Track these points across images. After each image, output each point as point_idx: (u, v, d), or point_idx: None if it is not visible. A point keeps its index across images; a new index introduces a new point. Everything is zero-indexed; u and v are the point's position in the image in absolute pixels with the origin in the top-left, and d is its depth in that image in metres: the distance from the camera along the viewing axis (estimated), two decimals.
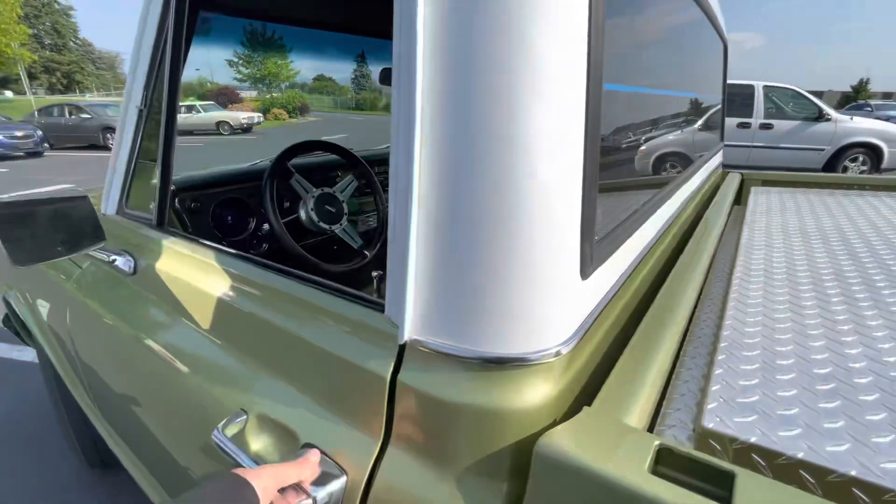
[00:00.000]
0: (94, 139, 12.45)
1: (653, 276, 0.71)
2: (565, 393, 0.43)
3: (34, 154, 10.85)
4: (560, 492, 0.35)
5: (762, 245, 0.90)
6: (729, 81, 6.75)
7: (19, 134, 10.43)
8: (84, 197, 0.83)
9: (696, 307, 0.69)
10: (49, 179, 7.86)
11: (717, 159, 1.54)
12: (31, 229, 0.75)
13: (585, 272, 0.43)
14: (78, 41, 51.64)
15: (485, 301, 0.39)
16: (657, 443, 0.36)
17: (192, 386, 0.67)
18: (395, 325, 0.44)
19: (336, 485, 0.45)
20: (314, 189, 1.24)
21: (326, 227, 1.24)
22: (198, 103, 17.02)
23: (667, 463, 0.35)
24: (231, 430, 0.54)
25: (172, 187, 0.86)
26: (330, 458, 0.47)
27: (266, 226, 1.23)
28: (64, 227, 0.78)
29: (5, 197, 0.78)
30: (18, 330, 1.80)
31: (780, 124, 6.95)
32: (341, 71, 2.10)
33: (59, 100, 19.88)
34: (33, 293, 1.26)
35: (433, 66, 0.37)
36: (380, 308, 0.47)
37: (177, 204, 1.06)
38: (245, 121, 16.96)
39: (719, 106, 1.50)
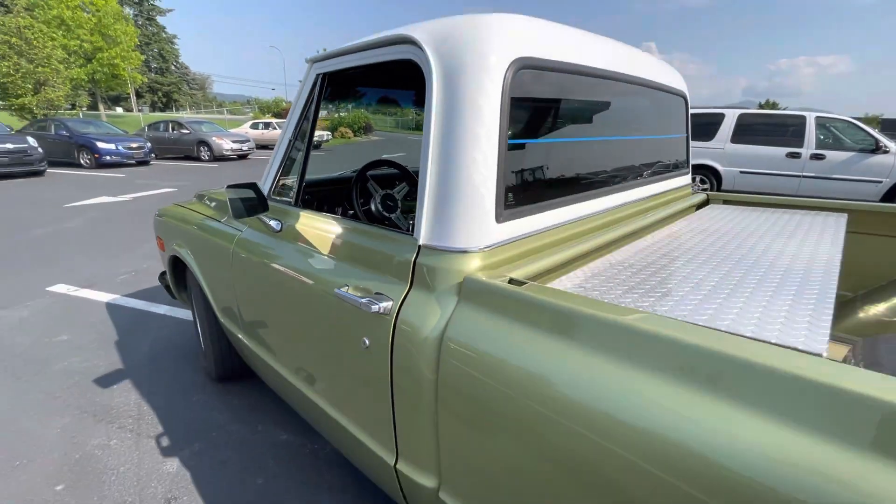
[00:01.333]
0: (190, 151, 14.33)
1: (564, 237, 1.22)
2: (481, 265, 0.98)
3: (143, 162, 12.74)
4: (472, 293, 0.91)
5: (662, 235, 1.40)
6: (779, 112, 6.88)
7: (133, 145, 12.33)
8: (254, 184, 1.49)
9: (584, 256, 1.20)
10: (155, 184, 9.32)
11: (680, 181, 1.99)
12: (241, 199, 1.41)
13: (497, 221, 0.99)
14: (177, 65, 58.43)
15: (454, 226, 0.96)
16: (509, 276, 0.91)
17: (315, 286, 1.28)
18: (416, 238, 1.02)
19: (389, 301, 1.03)
20: (381, 190, 1.86)
21: (387, 214, 1.85)
22: (274, 120, 18.87)
23: (515, 283, 0.90)
24: (343, 291, 1.14)
25: (304, 185, 1.51)
26: (386, 295, 1.05)
27: (350, 211, 1.88)
28: (250, 201, 1.44)
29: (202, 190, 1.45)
30: (169, 284, 2.58)
31: (833, 155, 6.89)
32: (403, 97, 2.76)
33: (163, 116, 22.84)
34: (199, 250, 1.97)
35: (440, 116, 0.96)
36: (411, 234, 1.05)
37: (304, 194, 1.72)
38: (315, 138, 18.47)
39: (675, 140, 1.96)
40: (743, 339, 0.65)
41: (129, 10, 42.36)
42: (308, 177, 1.55)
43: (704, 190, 4.26)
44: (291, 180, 1.52)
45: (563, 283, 1.03)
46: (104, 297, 3.42)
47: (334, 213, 1.64)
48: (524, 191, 1.09)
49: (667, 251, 1.25)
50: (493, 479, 0.88)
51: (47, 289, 3.58)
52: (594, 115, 1.39)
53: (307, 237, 1.35)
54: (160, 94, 54.52)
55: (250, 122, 19.95)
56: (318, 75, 1.41)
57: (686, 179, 2.06)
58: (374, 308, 1.01)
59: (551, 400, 0.74)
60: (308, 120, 1.45)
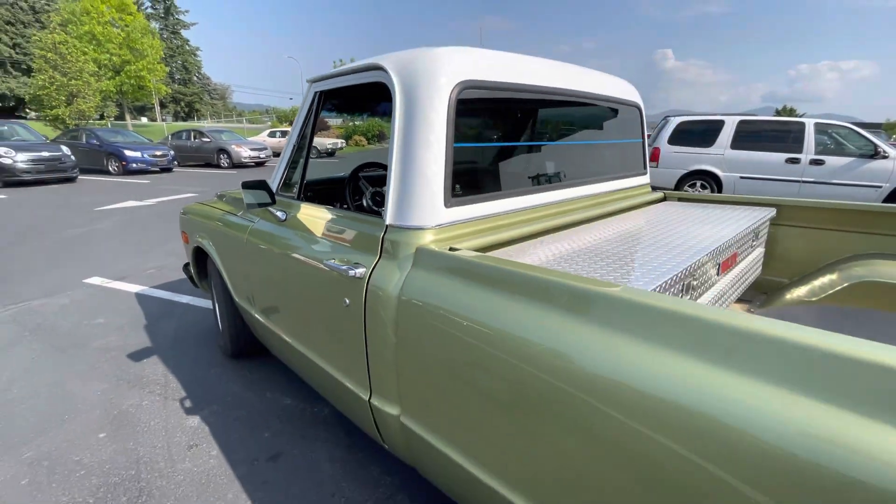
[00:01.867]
0: (211, 159, 14.97)
1: (512, 223, 1.50)
2: (432, 238, 1.27)
3: (166, 170, 13.38)
4: (423, 259, 1.20)
5: (601, 224, 1.67)
6: (778, 118, 7.04)
7: (158, 153, 12.98)
8: (265, 182, 1.81)
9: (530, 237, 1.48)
10: (178, 189, 9.84)
11: (636, 181, 2.25)
12: (254, 194, 1.73)
13: (445, 206, 1.28)
14: (199, 76, 60.39)
15: (412, 209, 1.26)
16: (450, 246, 1.20)
17: (312, 261, 1.58)
18: (384, 220, 1.32)
19: (363, 268, 1.32)
20: (371, 187, 2.17)
21: (376, 209, 2.16)
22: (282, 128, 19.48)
23: (453, 251, 1.19)
24: (331, 262, 1.44)
25: (304, 183, 1.82)
26: (362, 263, 1.35)
27: (345, 205, 2.20)
28: (261, 196, 1.76)
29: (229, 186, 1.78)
30: (192, 275, 2.93)
31: (833, 160, 7.01)
32: (380, 110, 3.04)
33: (185, 125, 23.79)
34: (219, 240, 2.31)
35: (401, 125, 1.26)
36: (382, 217, 1.35)
37: (305, 190, 2.04)
38: (330, 146, 19.11)
39: (628, 145, 2.22)
40: (608, 282, 0.92)
41: (155, 25, 44.12)
42: (308, 177, 1.87)
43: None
44: (295, 179, 1.84)
45: (498, 253, 1.32)
46: (134, 288, 3.81)
47: (330, 206, 1.96)
48: (468, 183, 1.38)
49: (594, 234, 1.52)
50: (436, 401, 1.16)
51: (84, 281, 3.98)
52: (535, 123, 1.68)
53: (306, 224, 1.66)
54: (183, 104, 56.36)
55: (268, 131, 20.66)
56: (315, 93, 1.73)
57: (643, 180, 2.32)
58: (352, 273, 1.31)
59: (477, 334, 1.02)
60: (308, 129, 1.77)
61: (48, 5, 36.28)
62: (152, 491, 1.71)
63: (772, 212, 1.96)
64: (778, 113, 52.19)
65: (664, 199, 2.36)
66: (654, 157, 8.23)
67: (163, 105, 49.04)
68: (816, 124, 7.26)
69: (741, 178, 7.53)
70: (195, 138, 15.33)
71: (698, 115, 8.32)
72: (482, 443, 1.05)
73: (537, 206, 1.61)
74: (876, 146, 6.84)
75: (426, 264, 1.20)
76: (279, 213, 1.82)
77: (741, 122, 7.68)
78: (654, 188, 2.46)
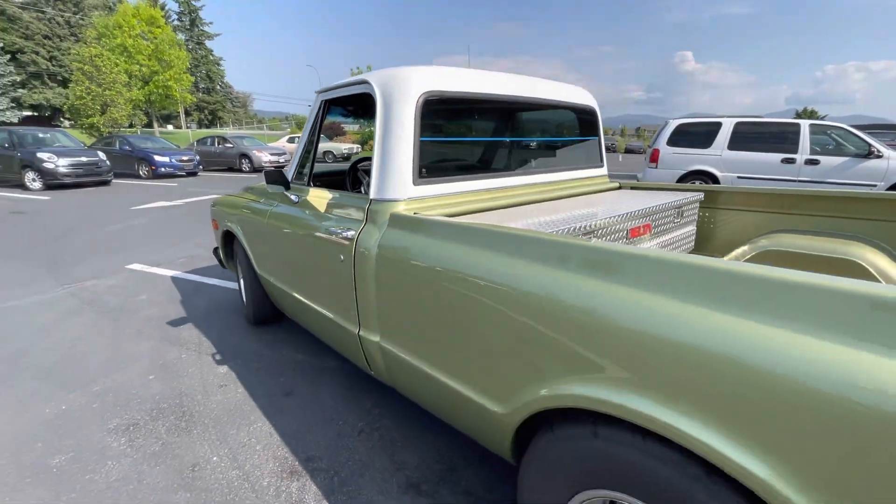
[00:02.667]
0: (233, 163, 15.75)
1: (469, 200, 1.91)
2: (404, 208, 1.70)
3: (192, 173, 14.17)
4: (395, 221, 1.63)
5: (557, 203, 2.07)
6: (774, 120, 7.34)
7: (184, 158, 13.77)
8: (282, 171, 2.27)
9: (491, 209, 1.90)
10: (203, 191, 10.52)
11: (593, 172, 2.65)
12: (273, 180, 2.20)
13: (414, 185, 1.71)
14: (222, 84, 62.44)
15: (388, 186, 1.69)
16: (415, 212, 1.63)
17: (318, 231, 2.03)
18: (369, 195, 1.76)
19: (353, 231, 1.76)
20: (367, 176, 2.62)
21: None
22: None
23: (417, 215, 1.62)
24: (332, 229, 1.88)
25: (315, 173, 2.28)
26: (353, 229, 1.79)
27: (344, 190, 2.66)
28: (279, 182, 2.22)
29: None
30: (220, 256, 3.43)
31: (828, 160, 7.21)
32: (369, 116, 3.50)
33: (210, 132, 24.85)
34: (245, 223, 2.78)
35: (381, 125, 1.70)
36: (367, 194, 1.79)
37: (313, 178, 2.50)
38: (346, 151, 19.80)
39: (583, 142, 2.62)
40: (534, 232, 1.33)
41: (181, 36, 45.99)
42: (316, 169, 2.33)
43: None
44: (306, 170, 2.30)
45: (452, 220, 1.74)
46: (169, 272, 4.34)
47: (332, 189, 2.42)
48: (433, 168, 1.81)
49: (537, 209, 1.93)
50: (404, 326, 1.59)
51: (126, 266, 4.54)
52: (492, 122, 2.10)
53: (314, 204, 2.12)
54: (206, 111, 58.35)
55: (287, 137, 21.50)
56: (322, 101, 2.19)
57: (600, 171, 2.71)
58: (346, 234, 1.76)
59: (432, 272, 1.44)
60: (316, 130, 2.23)
61: (82, 20, 38.25)
62: (192, 414, 2.17)
63: (699, 195, 2.34)
64: (798, 115, 51.09)
65: (619, 187, 2.75)
66: (654, 158, 8.52)
67: (187, 113, 50.90)
68: (812, 125, 7.48)
69: (738, 177, 7.77)
70: (219, 144, 16.15)
71: (698, 118, 8.59)
72: (436, 350, 1.47)
73: (493, 188, 2.03)
74: (870, 146, 7.03)
75: (396, 225, 1.63)
76: (293, 197, 2.28)
77: (738, 124, 7.93)
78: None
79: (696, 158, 8.09)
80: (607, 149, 35.74)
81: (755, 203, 2.31)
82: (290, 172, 2.39)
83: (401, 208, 1.69)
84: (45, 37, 38.26)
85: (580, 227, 1.56)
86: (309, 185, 2.25)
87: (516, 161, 2.22)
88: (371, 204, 1.75)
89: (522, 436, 1.28)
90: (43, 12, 38.31)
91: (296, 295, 2.31)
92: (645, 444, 0.93)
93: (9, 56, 33.63)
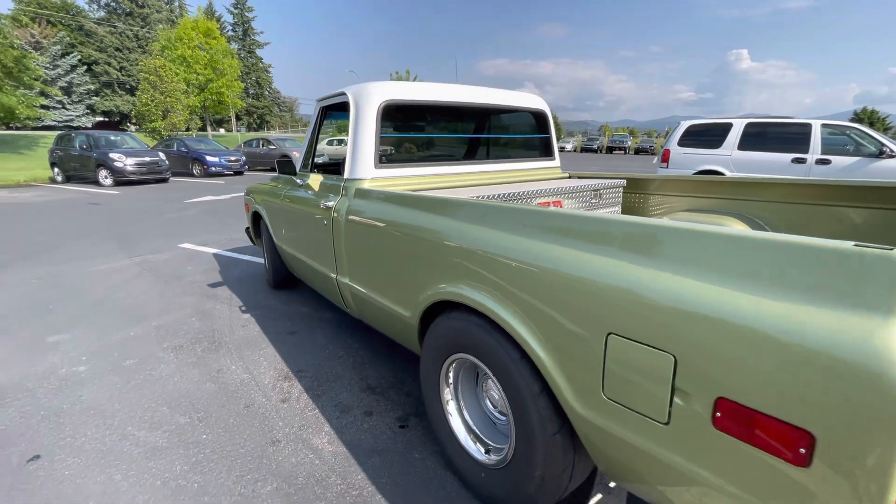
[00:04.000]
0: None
1: (423, 182, 2.52)
2: (367, 185, 2.33)
3: (239, 172, 15.51)
4: (359, 193, 2.27)
5: (502, 185, 2.65)
6: (786, 120, 7.59)
7: (232, 158, 15.12)
8: (290, 161, 2.97)
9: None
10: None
11: (546, 164, 3.18)
12: (283, 166, 2.90)
13: (375, 168, 2.35)
14: (270, 90, 65.98)
15: (356, 169, 2.33)
16: (373, 188, 2.26)
17: (313, 204, 2.70)
18: (344, 176, 2.41)
19: (333, 202, 2.41)
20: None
21: None
22: (346, 137, 21.36)
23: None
24: (320, 202, 2.55)
25: (315, 163, 2.96)
26: (332, 200, 2.44)
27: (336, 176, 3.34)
28: (288, 168, 2.92)
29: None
30: (250, 234, 4.21)
31: (839, 160, 7.25)
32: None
33: (256, 135, 26.71)
34: (268, 203, 3.52)
35: (352, 125, 2.35)
36: (343, 175, 2.45)
37: (313, 167, 3.19)
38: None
39: (534, 139, 3.15)
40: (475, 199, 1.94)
41: (234, 45, 49.14)
42: (315, 160, 3.02)
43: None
44: (308, 160, 2.99)
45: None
46: (212, 250, 5.21)
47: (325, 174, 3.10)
48: (390, 157, 2.44)
49: (481, 189, 2.51)
50: (363, 268, 2.22)
51: (178, 245, 5.47)
52: (441, 123, 2.70)
53: (312, 185, 2.80)
54: (255, 116, 61.79)
55: (326, 140, 22.80)
56: (320, 108, 2.87)
57: (552, 163, 3.24)
58: (328, 204, 2.42)
59: (382, 228, 2.07)
60: (317, 130, 2.91)
61: (148, 33, 41.76)
62: (220, 342, 2.91)
63: (622, 182, 2.83)
64: (855, 116, 47.61)
65: (569, 177, 3.27)
66: (665, 158, 8.77)
67: (238, 117, 54.20)
68: (824, 125, 7.53)
69: None
70: (263, 146, 17.51)
71: (707, 119, 8.76)
72: (376, 280, 2.10)
73: (443, 174, 2.63)
74: (882, 146, 7.03)
75: (359, 196, 2.27)
76: (298, 181, 2.98)
77: (749, 125, 8.07)
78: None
79: (705, 158, 8.27)
80: (646, 151, 35.44)
81: (669, 189, 2.79)
82: (298, 162, 3.09)
83: (365, 185, 2.33)
84: (117, 49, 42.08)
85: (493, 195, 2.15)
86: (310, 171, 2.94)
87: (466, 153, 2.81)
88: (345, 182, 2.40)
89: (422, 334, 1.88)
90: (115, 27, 42.15)
91: (299, 256, 3.01)
92: (477, 320, 1.51)
93: (85, 67, 37.28)
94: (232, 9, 54.71)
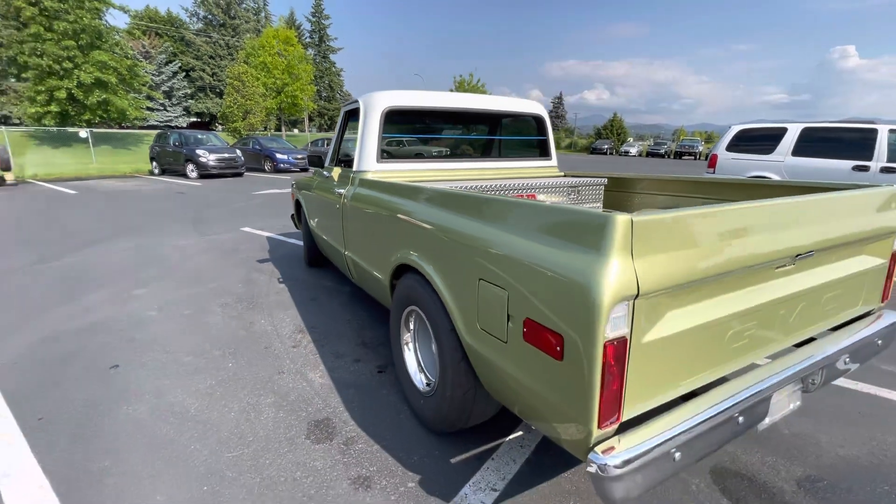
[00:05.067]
0: None
1: (420, 175, 2.97)
2: (371, 176, 2.83)
3: (304, 169, 16.88)
4: (363, 183, 2.77)
5: (495, 181, 3.05)
6: (848, 125, 7.37)
7: (299, 156, 16.51)
8: (321, 156, 3.55)
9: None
10: None
11: (542, 163, 3.49)
12: (314, 161, 3.49)
13: (377, 163, 2.84)
14: (341, 93, 69.75)
15: (362, 163, 2.84)
16: (374, 178, 2.75)
17: (334, 192, 3.25)
18: (354, 169, 2.93)
19: (344, 189, 2.94)
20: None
21: None
22: (405, 138, 22.36)
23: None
24: (337, 189, 3.09)
25: (338, 157, 3.52)
26: (344, 188, 2.97)
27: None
28: (319, 161, 3.51)
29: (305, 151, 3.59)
30: (295, 220, 4.92)
31: None
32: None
33: (324, 135, 28.66)
34: (305, 193, 4.16)
35: (360, 128, 2.87)
36: (352, 168, 2.97)
37: (338, 162, 3.75)
38: None
39: (531, 140, 3.47)
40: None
41: (310, 51, 52.66)
42: (339, 157, 3.58)
43: None
44: (333, 156, 3.56)
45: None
46: (266, 234, 6.03)
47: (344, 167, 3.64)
48: (391, 154, 2.92)
49: (463, 182, 2.92)
50: (359, 241, 2.72)
51: (240, 229, 6.36)
52: (440, 125, 3.13)
53: (334, 176, 3.36)
54: (326, 117, 65.64)
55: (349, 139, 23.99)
56: (344, 112, 3.42)
57: (548, 163, 3.55)
58: (340, 191, 2.96)
59: (373, 210, 2.56)
60: (342, 131, 3.47)
61: (237, 42, 45.94)
62: (257, 303, 3.56)
63: (603, 180, 3.10)
64: None
65: (564, 175, 3.57)
66: (712, 163, 8.53)
67: (310, 119, 57.94)
68: (892, 130, 7.00)
69: None
70: (326, 145, 18.88)
71: (761, 122, 8.41)
72: (365, 251, 2.58)
73: (439, 169, 3.07)
74: None
75: (362, 185, 2.77)
76: (325, 173, 3.56)
77: (806, 129, 7.67)
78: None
79: (755, 164, 7.97)
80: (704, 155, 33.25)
81: (646, 187, 3.02)
82: (326, 158, 3.68)
83: (368, 176, 2.84)
84: (210, 57, 46.75)
85: (471, 187, 2.56)
86: (334, 165, 3.51)
87: (461, 152, 3.22)
88: (353, 173, 2.92)
89: (393, 292, 2.34)
90: (210, 37, 46.85)
91: (323, 235, 3.59)
92: (419, 278, 1.95)
93: (184, 73, 41.82)
94: (310, 17, 58.56)
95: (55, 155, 18.07)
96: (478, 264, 1.47)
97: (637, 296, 1.05)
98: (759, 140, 8.15)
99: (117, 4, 21.47)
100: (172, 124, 38.24)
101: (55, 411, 2.14)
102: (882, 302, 1.96)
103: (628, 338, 1.08)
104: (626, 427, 1.17)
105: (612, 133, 44.03)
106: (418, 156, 3.10)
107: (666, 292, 1.13)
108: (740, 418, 1.33)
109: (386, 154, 2.89)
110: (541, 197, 2.92)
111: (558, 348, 1.15)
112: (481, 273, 1.45)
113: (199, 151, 13.58)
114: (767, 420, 1.52)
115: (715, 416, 1.25)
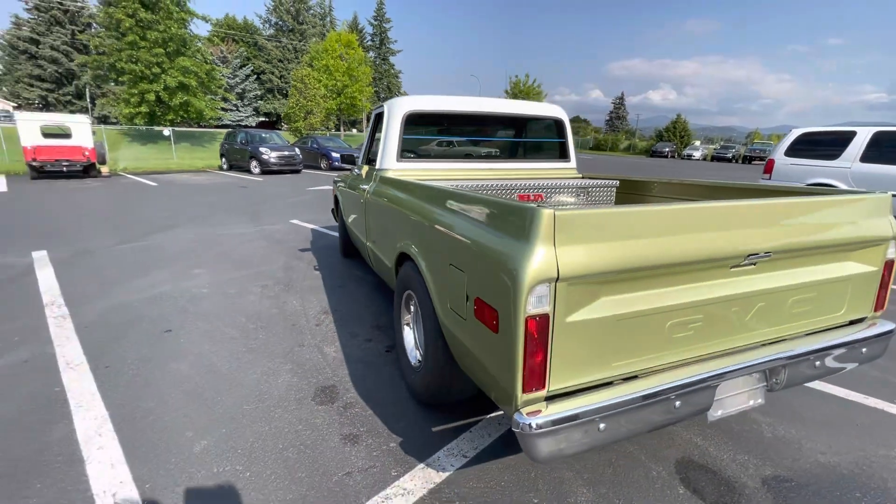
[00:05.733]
0: None
1: (436, 174, 3.19)
2: (390, 174, 3.10)
3: None
4: (382, 180, 3.05)
5: (512, 181, 3.23)
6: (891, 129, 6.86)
7: (354, 155, 17.33)
8: (353, 156, 3.88)
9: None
10: None
11: (561, 165, 3.59)
12: (348, 159, 3.83)
13: (397, 161, 3.10)
14: (399, 94, 71.67)
15: (384, 162, 3.12)
16: (392, 175, 3.02)
17: (361, 189, 3.56)
18: (376, 168, 3.22)
19: (367, 186, 3.24)
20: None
21: None
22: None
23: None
24: (362, 186, 3.40)
25: (368, 156, 3.83)
26: (367, 185, 3.26)
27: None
28: (351, 160, 3.84)
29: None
30: (335, 214, 5.33)
31: None
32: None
33: None
34: (341, 189, 4.53)
35: (384, 129, 3.15)
36: (376, 166, 3.25)
37: (367, 161, 4.06)
38: None
39: (550, 142, 3.57)
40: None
41: (371, 54, 54.61)
42: (369, 155, 3.89)
43: None
44: (365, 155, 3.88)
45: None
46: (312, 226, 6.54)
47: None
48: (410, 154, 3.17)
49: (491, 182, 3.11)
50: (377, 230, 3.00)
51: (290, 221, 6.93)
52: (458, 127, 3.34)
53: (363, 173, 3.67)
54: None
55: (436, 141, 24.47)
56: (374, 115, 3.72)
57: (566, 164, 3.64)
58: (364, 187, 3.26)
59: (387, 204, 2.83)
60: (372, 133, 3.78)
61: (304, 46, 48.59)
62: (292, 286, 3.96)
63: (615, 182, 3.17)
64: None
65: (583, 177, 3.64)
66: (768, 168, 8.08)
67: (368, 119, 60.07)
68: None
69: None
70: None
71: (853, 125, 7.80)
72: (380, 239, 2.85)
73: (455, 168, 3.28)
74: None
75: (381, 182, 3.05)
76: (356, 171, 3.89)
77: (878, 133, 7.09)
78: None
79: (817, 170, 7.46)
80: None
81: (658, 190, 3.04)
82: (359, 157, 4.01)
83: (388, 174, 3.11)
84: (279, 60, 49.84)
85: (479, 186, 2.76)
86: (364, 164, 3.83)
87: (480, 153, 3.41)
88: (375, 171, 3.21)
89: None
90: (280, 42, 49.94)
91: (352, 228, 3.93)
92: (413, 265, 2.18)
93: (255, 76, 44.89)
94: (372, 21, 60.65)
95: (142, 151, 20.21)
96: (448, 251, 1.68)
97: (558, 279, 1.21)
98: (823, 144, 7.60)
99: (200, 14, 23.61)
100: (243, 123, 41.19)
101: (118, 362, 2.60)
102: (876, 311, 1.93)
103: (551, 315, 1.24)
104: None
105: (674, 135, 41.79)
106: (438, 156, 3.33)
107: (595, 279, 1.28)
108: (677, 402, 1.43)
109: (405, 154, 3.15)
110: (560, 198, 3.05)
111: (494, 322, 1.33)
112: (451, 259, 1.65)
113: (262, 149, 14.68)
114: (720, 412, 1.61)
115: (646, 395, 1.37)
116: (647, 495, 1.70)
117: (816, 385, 2.47)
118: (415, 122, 3.19)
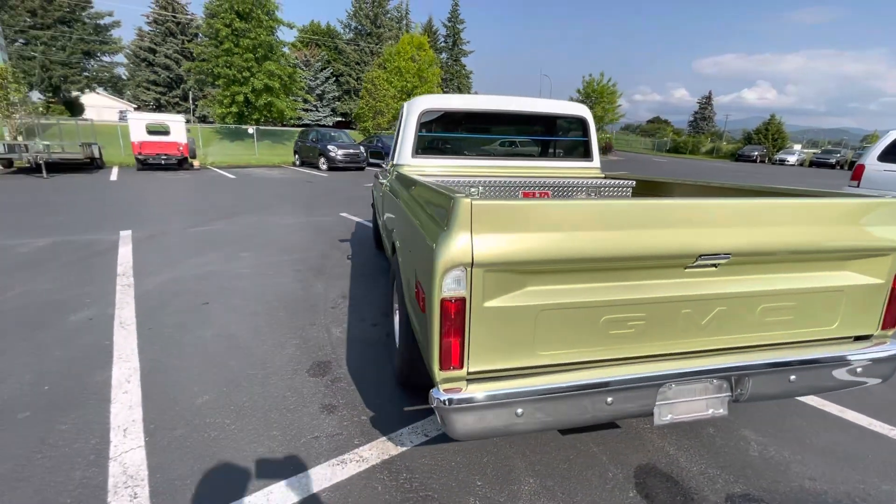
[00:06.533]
0: None
1: (450, 170, 3.29)
2: (406, 169, 3.25)
3: None
4: (397, 175, 3.22)
5: (531, 178, 3.26)
6: None
7: None
8: (381, 149, 4.09)
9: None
10: None
11: (583, 164, 3.52)
12: (378, 156, 4.04)
13: (412, 157, 3.25)
14: (470, 94, 72.10)
15: (400, 158, 3.28)
16: (408, 171, 3.17)
17: (380, 183, 3.77)
18: (393, 163, 3.39)
19: (385, 180, 3.43)
20: None
21: None
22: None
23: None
24: (384, 180, 3.60)
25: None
26: (386, 179, 3.45)
27: None
28: (381, 157, 4.06)
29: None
30: (373, 206, 5.62)
31: None
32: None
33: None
34: (375, 184, 4.78)
35: (401, 127, 3.31)
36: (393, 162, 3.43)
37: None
38: None
39: (571, 141, 3.49)
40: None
41: (444, 55, 55.56)
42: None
43: None
44: (393, 151, 4.07)
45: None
46: (357, 219, 6.92)
47: None
48: (425, 150, 3.30)
49: (505, 180, 3.17)
50: (389, 219, 3.17)
51: (339, 213, 7.38)
52: (474, 125, 3.40)
53: (388, 169, 3.87)
54: None
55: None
56: (401, 113, 3.90)
57: (588, 164, 3.56)
58: (383, 181, 3.45)
59: (395, 198, 2.99)
60: (399, 130, 3.97)
61: (380, 49, 50.68)
62: (323, 272, 4.27)
63: (631, 183, 3.06)
64: None
65: (605, 177, 3.55)
66: (856, 175, 7.19)
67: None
68: None
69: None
70: None
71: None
72: (392, 226, 3.02)
73: (470, 165, 3.36)
74: None
75: (395, 175, 3.21)
76: (385, 166, 4.10)
77: None
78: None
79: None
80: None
81: (674, 191, 2.90)
82: (391, 158, 4.22)
83: (404, 169, 3.27)
84: (357, 63, 52.42)
85: (487, 182, 2.84)
86: (392, 160, 4.02)
87: (498, 150, 3.45)
88: (394, 167, 3.38)
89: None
90: (358, 45, 52.53)
91: (378, 220, 4.14)
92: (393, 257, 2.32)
93: (334, 78, 47.60)
94: (446, 22, 61.64)
95: (230, 147, 22.34)
96: (410, 237, 1.79)
97: (472, 264, 1.28)
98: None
99: (286, 22, 25.60)
100: (321, 123, 43.89)
101: (160, 325, 3.02)
102: (885, 329, 1.74)
103: (468, 299, 1.31)
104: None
105: (765, 138, 37.83)
106: (454, 153, 3.43)
107: (515, 267, 1.32)
108: (609, 398, 1.43)
109: (421, 150, 3.29)
110: (568, 198, 3.03)
111: (422, 303, 1.42)
112: (410, 246, 1.76)
113: (329, 147, 15.62)
114: (669, 417, 1.56)
115: (570, 387, 1.39)
116: (593, 494, 1.69)
117: (834, 409, 2.24)
118: (431, 119, 3.32)
